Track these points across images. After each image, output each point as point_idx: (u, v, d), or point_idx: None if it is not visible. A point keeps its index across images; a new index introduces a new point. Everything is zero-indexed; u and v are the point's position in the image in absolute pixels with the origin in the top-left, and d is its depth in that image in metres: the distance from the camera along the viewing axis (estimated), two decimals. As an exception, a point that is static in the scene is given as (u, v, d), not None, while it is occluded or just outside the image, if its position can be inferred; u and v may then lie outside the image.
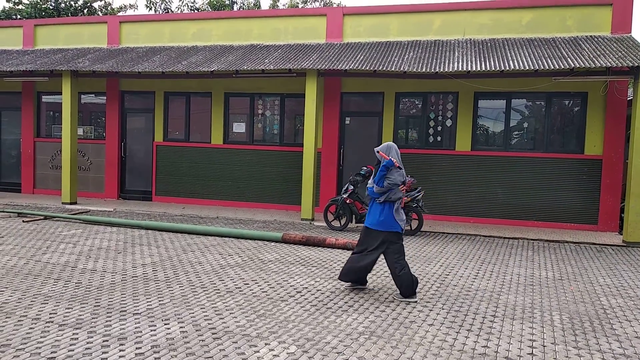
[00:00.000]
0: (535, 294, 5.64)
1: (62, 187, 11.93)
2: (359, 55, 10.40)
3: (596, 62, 8.77)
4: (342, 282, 5.75)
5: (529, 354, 3.97)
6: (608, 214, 9.99)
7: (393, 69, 9.51)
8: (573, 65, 8.74)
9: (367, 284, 5.75)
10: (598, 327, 4.64)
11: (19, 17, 22.32)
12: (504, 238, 9.14)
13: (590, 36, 10.18)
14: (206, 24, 12.53)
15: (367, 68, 9.65)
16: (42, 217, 9.85)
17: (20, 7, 22.97)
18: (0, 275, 5.80)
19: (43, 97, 13.67)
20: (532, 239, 9.04)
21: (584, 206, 10.16)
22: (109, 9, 23.88)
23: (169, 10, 23.74)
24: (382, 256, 7.33)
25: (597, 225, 10.06)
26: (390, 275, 5.60)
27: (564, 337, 4.35)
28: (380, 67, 9.61)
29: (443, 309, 5.03)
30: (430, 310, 4.98)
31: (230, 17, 12.79)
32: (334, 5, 23.40)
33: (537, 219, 10.33)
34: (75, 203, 11.88)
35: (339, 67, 9.82)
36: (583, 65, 8.70)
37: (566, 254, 7.93)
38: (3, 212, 10.27)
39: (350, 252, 7.38)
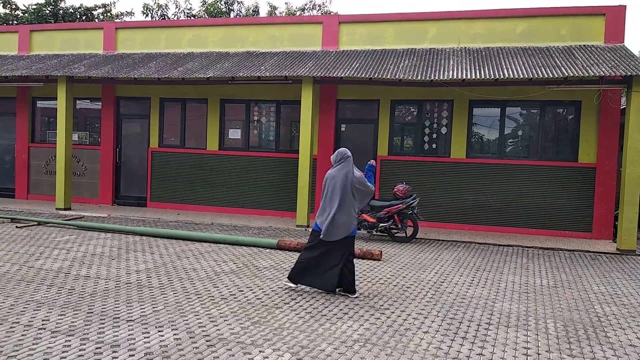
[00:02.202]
0: (529, 302, 5.65)
1: (56, 192, 11.87)
2: (354, 63, 10.45)
3: (589, 71, 8.85)
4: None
5: (523, 361, 3.98)
6: (602, 222, 10.04)
7: (388, 77, 9.56)
8: (567, 74, 8.81)
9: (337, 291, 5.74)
10: (592, 335, 4.65)
11: (16, 22, 22.29)
12: (499, 245, 9.16)
13: (584, 45, 10.27)
14: (202, 30, 12.56)
15: (363, 76, 9.70)
16: (35, 223, 9.79)
17: (17, 12, 22.96)
18: (-8, 281, 5.75)
19: (38, 102, 13.63)
20: (526, 247, 9.06)
21: (578, 214, 10.21)
22: (107, 15, 23.89)
23: (166, 17, 23.78)
24: (377, 263, 7.34)
25: (591, 233, 10.10)
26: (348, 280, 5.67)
27: (558, 345, 4.36)
28: (376, 75, 9.66)
29: (438, 316, 5.02)
30: (425, 317, 4.97)
31: (227, 24, 12.83)
32: (331, 14, 23.53)
33: (532, 227, 10.37)
34: (69, 209, 11.82)
35: (334, 75, 9.86)
36: (577, 74, 8.77)
37: (560, 262, 7.95)
38: (-4, 217, 10.20)
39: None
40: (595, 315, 5.25)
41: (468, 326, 4.75)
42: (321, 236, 5.57)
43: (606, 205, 10.01)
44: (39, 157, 13.48)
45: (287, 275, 5.96)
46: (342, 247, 5.61)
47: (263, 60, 11.26)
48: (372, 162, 6.65)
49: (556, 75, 8.85)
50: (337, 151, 5.80)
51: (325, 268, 5.61)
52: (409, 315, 5.03)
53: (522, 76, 8.97)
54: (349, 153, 5.73)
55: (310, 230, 10.00)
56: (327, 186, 5.68)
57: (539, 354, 4.13)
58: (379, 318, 4.90)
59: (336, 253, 5.60)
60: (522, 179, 10.43)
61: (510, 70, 9.32)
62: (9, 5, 22.96)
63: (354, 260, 5.89)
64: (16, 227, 9.39)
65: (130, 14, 24.70)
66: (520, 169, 10.46)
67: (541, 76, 8.92)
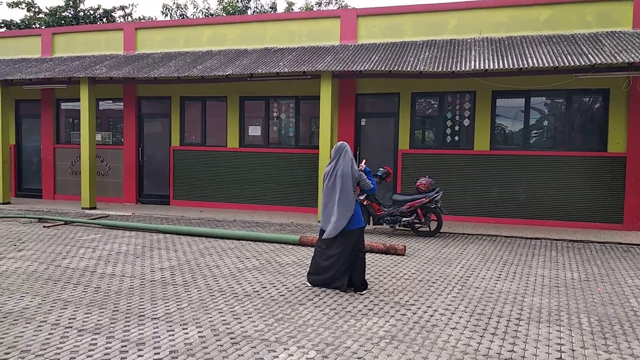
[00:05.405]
0: (561, 296, 5.48)
1: (81, 192, 12.06)
2: (373, 56, 10.31)
3: (618, 57, 8.55)
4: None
5: (557, 358, 3.84)
6: (633, 213, 9.72)
7: (408, 69, 9.40)
8: (594, 62, 8.53)
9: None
10: (629, 330, 4.47)
11: (38, 25, 22.73)
12: (526, 238, 8.95)
13: (611, 32, 9.94)
14: (220, 28, 12.58)
15: (382, 69, 9.55)
16: (62, 222, 9.95)
17: (40, 15, 23.41)
18: (21, 280, 5.84)
19: (62, 104, 13.86)
20: (555, 239, 8.83)
21: (608, 205, 9.90)
22: (127, 18, 24.21)
23: (184, 17, 23.94)
24: (401, 258, 7.24)
25: (622, 224, 9.79)
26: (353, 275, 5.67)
27: (593, 341, 4.20)
28: (396, 68, 9.51)
29: (466, 312, 4.90)
30: (453, 313, 4.86)
31: (244, 21, 12.81)
32: (349, 7, 23.35)
33: (560, 219, 10.12)
34: (94, 208, 11.99)
35: (353, 69, 9.74)
36: (604, 62, 8.48)
37: (591, 254, 7.72)
38: (24, 217, 10.40)
39: (367, 254, 7.29)
40: (630, 309, 5.05)
41: (497, 322, 4.62)
42: (324, 236, 5.57)
43: (638, 195, 9.68)
44: (64, 157, 13.72)
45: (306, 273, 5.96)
46: (349, 242, 5.55)
47: (281, 56, 11.21)
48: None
49: (583, 63, 8.57)
50: (335, 145, 5.80)
51: (337, 267, 5.56)
52: (436, 311, 4.92)
53: (547, 65, 8.72)
54: (348, 147, 5.72)
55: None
56: (325, 182, 5.67)
57: (573, 350, 3.99)
58: (404, 314, 4.81)
59: (344, 251, 5.53)
60: (549, 170, 10.17)
61: (534, 59, 9.07)
62: (32, 9, 23.43)
63: (367, 254, 5.85)
64: (43, 226, 9.56)
65: (151, 19, 25.01)
66: (546, 160, 10.19)
67: (567, 64, 8.65)
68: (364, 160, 6.47)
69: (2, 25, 23.21)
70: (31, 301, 5.07)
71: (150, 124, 13.19)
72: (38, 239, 8.40)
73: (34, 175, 14.29)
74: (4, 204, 12.57)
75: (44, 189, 13.96)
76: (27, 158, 14.39)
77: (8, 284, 5.66)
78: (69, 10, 23.07)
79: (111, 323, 4.45)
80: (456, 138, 10.83)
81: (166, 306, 4.95)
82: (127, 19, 24.38)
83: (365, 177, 5.79)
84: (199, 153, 12.52)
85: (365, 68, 9.67)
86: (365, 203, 9.17)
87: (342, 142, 5.81)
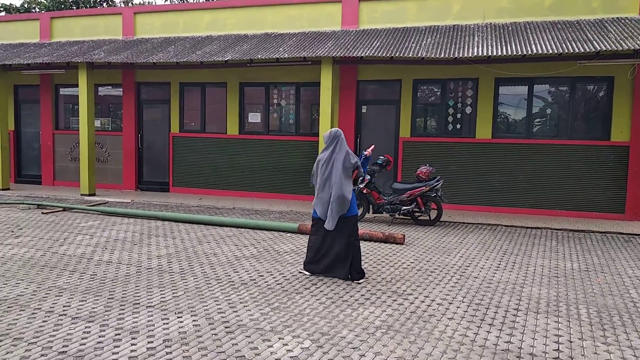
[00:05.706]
0: (560, 287, 5.43)
1: (80, 178, 12.02)
2: (375, 42, 10.16)
3: (623, 44, 8.40)
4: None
5: (555, 349, 3.79)
6: (635, 203, 9.64)
7: (410, 55, 9.26)
8: (599, 48, 8.39)
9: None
10: (628, 322, 4.42)
11: (38, 10, 22.55)
12: (527, 228, 8.88)
13: (617, 18, 9.76)
14: (220, 13, 12.41)
15: (384, 55, 9.42)
16: (61, 209, 9.92)
17: (40, 0, 23.20)
18: (17, 267, 5.81)
19: (61, 89, 13.76)
20: (555, 229, 8.77)
21: (610, 194, 9.82)
22: (128, 4, 24.00)
23: (185, 1, 23.69)
24: (400, 247, 7.19)
25: (624, 214, 9.71)
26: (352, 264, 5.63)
27: (591, 332, 4.15)
28: (398, 54, 9.37)
29: (463, 302, 4.86)
30: (450, 303, 4.81)
31: (245, 5, 12.62)
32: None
33: (561, 209, 10.04)
34: (93, 194, 11.96)
35: (354, 54, 9.61)
36: (609, 48, 8.34)
37: (592, 244, 7.66)
38: (23, 204, 10.37)
39: (366, 243, 7.25)
40: (630, 301, 5.00)
41: (495, 312, 4.58)
42: (326, 227, 5.46)
43: (640, 185, 9.60)
44: (64, 143, 13.66)
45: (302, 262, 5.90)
46: (345, 230, 5.47)
47: (282, 41, 11.07)
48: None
49: (587, 50, 8.43)
50: (329, 131, 5.63)
51: (334, 255, 5.50)
52: (433, 300, 4.88)
53: (551, 51, 8.58)
54: (342, 134, 5.60)
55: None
56: (321, 170, 5.54)
57: (571, 342, 3.94)
58: (401, 304, 4.77)
59: (340, 238, 5.47)
60: (551, 159, 10.06)
61: (538, 45, 8.92)
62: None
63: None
64: (42, 213, 9.53)
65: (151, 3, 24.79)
66: (548, 149, 10.09)
67: (571, 51, 8.51)
68: (372, 146, 6.38)
69: (2, 9, 23.04)
70: (26, 288, 5.04)
71: (150, 110, 13.10)
72: (36, 225, 8.37)
73: (33, 162, 14.24)
74: (3, 190, 12.55)
75: (44, 175, 13.92)
76: (26, 144, 14.34)
77: (4, 271, 5.63)
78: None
79: (106, 311, 4.42)
80: (458, 126, 10.72)
81: (162, 294, 4.92)
82: (129, 4, 24.16)
83: (360, 165, 5.70)
84: (199, 140, 12.44)
85: (367, 54, 9.53)
86: (365, 192, 9.11)
87: (336, 128, 5.68)
